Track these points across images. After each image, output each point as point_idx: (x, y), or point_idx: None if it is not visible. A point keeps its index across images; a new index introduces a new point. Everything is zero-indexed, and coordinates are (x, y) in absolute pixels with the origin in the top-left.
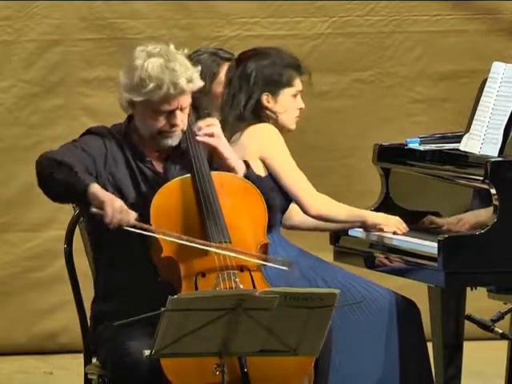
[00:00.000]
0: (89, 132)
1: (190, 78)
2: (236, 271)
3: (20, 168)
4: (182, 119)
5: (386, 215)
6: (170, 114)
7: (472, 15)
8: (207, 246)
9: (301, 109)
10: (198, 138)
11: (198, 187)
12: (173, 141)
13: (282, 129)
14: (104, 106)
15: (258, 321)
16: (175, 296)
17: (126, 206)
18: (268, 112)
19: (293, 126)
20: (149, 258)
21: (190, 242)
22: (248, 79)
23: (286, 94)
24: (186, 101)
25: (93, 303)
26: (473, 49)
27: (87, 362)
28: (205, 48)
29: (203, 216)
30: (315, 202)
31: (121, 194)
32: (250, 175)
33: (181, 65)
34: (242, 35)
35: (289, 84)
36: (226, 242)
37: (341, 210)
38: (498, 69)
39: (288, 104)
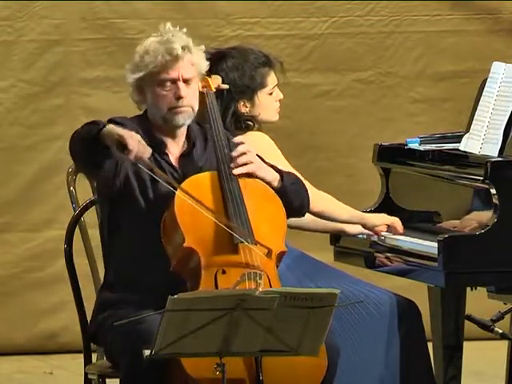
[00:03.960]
0: (111, 121)
1: (185, 45)
2: (261, 272)
3: (20, 168)
4: (187, 94)
5: (384, 216)
6: (174, 87)
7: (472, 15)
8: (222, 221)
9: (280, 100)
10: (234, 171)
11: (224, 186)
12: (184, 119)
13: (265, 124)
14: (104, 105)
15: (258, 321)
16: (175, 296)
17: (143, 140)
18: (248, 117)
19: (275, 118)
20: (161, 245)
21: (205, 209)
22: (221, 92)
23: (261, 95)
24: (187, 71)
25: (100, 291)
26: (473, 49)
27: (87, 361)
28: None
29: (229, 214)
30: (317, 199)
31: (139, 180)
32: (285, 185)
33: (174, 35)
34: (243, 35)
35: (262, 85)
36: (251, 243)
37: (342, 210)
38: (498, 69)
39: (266, 103)
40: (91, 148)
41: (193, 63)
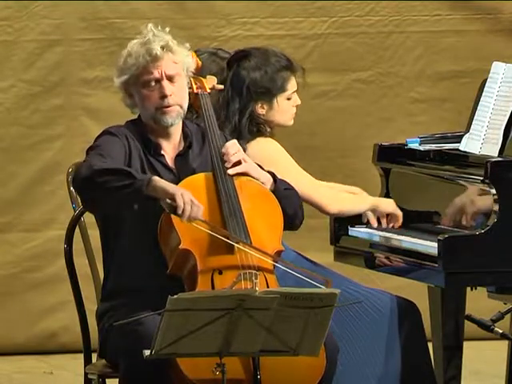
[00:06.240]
0: (105, 133)
1: (164, 44)
2: (257, 272)
3: (20, 168)
4: (172, 91)
5: (394, 204)
6: (158, 86)
7: (472, 15)
8: (279, 260)
9: (297, 105)
10: (229, 171)
11: (219, 186)
12: (172, 118)
13: (279, 127)
14: (104, 105)
15: (258, 321)
16: (175, 296)
17: (194, 199)
18: (262, 120)
19: (290, 123)
20: (161, 249)
21: (255, 251)
22: (240, 90)
23: (280, 99)
24: (169, 68)
25: (100, 301)
26: (473, 49)
27: (87, 361)
28: (204, 48)
29: (225, 215)
30: (333, 200)
31: None
32: (278, 189)
33: (155, 35)
34: (242, 35)
35: (282, 89)
36: (246, 242)
37: (358, 203)
38: (498, 69)
39: (283, 107)
40: (130, 199)
41: (175, 61)
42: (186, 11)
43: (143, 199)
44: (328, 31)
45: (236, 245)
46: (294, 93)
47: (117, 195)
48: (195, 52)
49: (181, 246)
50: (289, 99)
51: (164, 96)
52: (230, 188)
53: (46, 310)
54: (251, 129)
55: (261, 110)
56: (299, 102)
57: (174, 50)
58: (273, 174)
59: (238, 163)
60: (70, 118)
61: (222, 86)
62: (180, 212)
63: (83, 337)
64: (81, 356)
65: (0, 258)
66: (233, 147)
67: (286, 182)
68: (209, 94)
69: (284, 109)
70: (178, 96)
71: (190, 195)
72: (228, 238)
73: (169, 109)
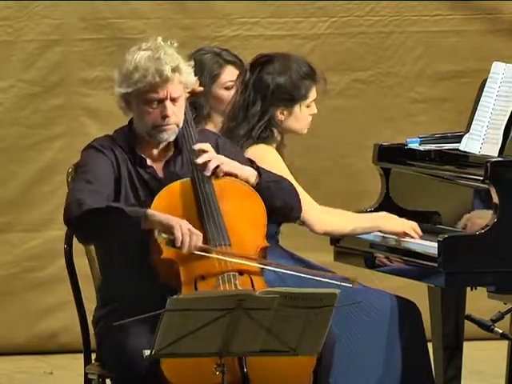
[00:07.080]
0: (91, 148)
1: (175, 66)
2: (236, 273)
3: (20, 168)
4: (173, 111)
5: (402, 221)
6: (161, 105)
7: (472, 15)
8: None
9: (313, 114)
10: (205, 172)
11: (197, 190)
12: (168, 135)
13: (292, 133)
14: (104, 105)
15: (258, 321)
16: (175, 296)
17: (192, 227)
18: (280, 126)
19: (304, 131)
20: (148, 260)
21: (245, 259)
22: (264, 95)
23: (301, 106)
24: (175, 91)
25: (95, 310)
26: (473, 49)
27: (87, 361)
28: (209, 47)
29: (203, 219)
30: (319, 219)
31: (127, 202)
32: (261, 182)
33: (166, 54)
34: (242, 35)
35: (305, 97)
36: (225, 244)
37: (346, 224)
38: (498, 69)
39: (302, 115)
40: (118, 236)
41: (181, 81)
42: (186, 11)
43: (139, 233)
44: (328, 31)
45: (234, 260)
46: (313, 101)
47: (112, 234)
48: (199, 51)
49: (162, 256)
50: (308, 107)
51: (166, 116)
52: (207, 191)
53: (45, 309)
54: (263, 134)
55: (281, 116)
56: (316, 110)
57: (183, 71)
58: (257, 168)
59: (216, 168)
60: (70, 118)
61: (201, 88)
62: (179, 244)
63: (83, 337)
64: (81, 356)
65: (0, 258)
66: (206, 155)
67: (274, 174)
68: (187, 97)
69: (302, 117)
70: (177, 115)
71: (188, 224)
72: (224, 255)
73: (167, 127)
